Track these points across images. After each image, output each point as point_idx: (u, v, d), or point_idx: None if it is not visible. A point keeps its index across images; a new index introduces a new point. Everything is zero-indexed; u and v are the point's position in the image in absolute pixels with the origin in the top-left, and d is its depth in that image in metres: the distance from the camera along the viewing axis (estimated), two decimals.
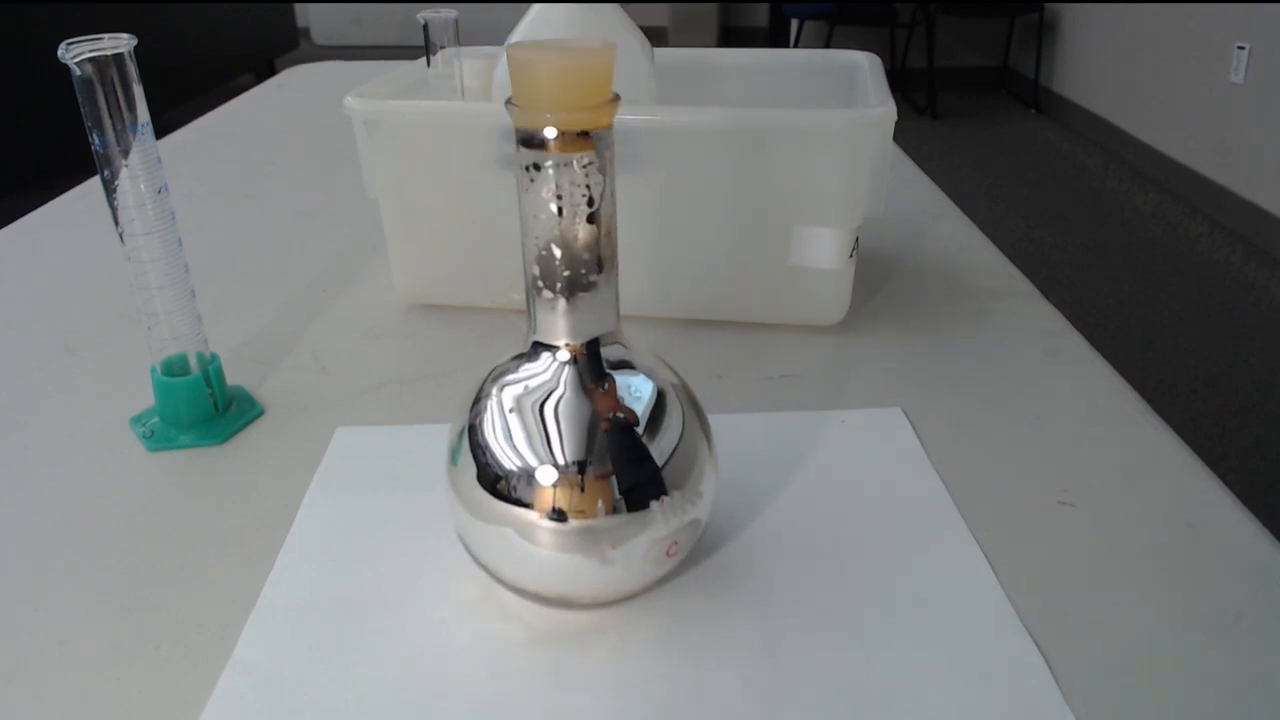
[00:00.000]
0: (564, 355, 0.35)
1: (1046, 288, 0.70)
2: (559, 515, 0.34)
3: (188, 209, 0.83)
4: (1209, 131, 2.95)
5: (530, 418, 0.35)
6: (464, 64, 0.68)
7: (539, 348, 0.36)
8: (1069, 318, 0.63)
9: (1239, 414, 1.89)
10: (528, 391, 0.35)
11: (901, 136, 0.62)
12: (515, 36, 0.59)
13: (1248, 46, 2.76)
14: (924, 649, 0.36)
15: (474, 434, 0.36)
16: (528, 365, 0.36)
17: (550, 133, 0.32)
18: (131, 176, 0.45)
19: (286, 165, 0.98)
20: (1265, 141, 2.69)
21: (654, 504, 0.35)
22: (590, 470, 0.34)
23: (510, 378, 0.36)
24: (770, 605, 0.38)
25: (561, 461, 0.34)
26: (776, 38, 4.93)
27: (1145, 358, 2.10)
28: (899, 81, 4.19)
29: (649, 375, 0.37)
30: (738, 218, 0.57)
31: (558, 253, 0.33)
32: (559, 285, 0.34)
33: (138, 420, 0.51)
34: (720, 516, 0.43)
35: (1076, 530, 0.43)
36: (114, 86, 0.43)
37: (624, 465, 0.34)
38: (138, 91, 0.43)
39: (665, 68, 0.65)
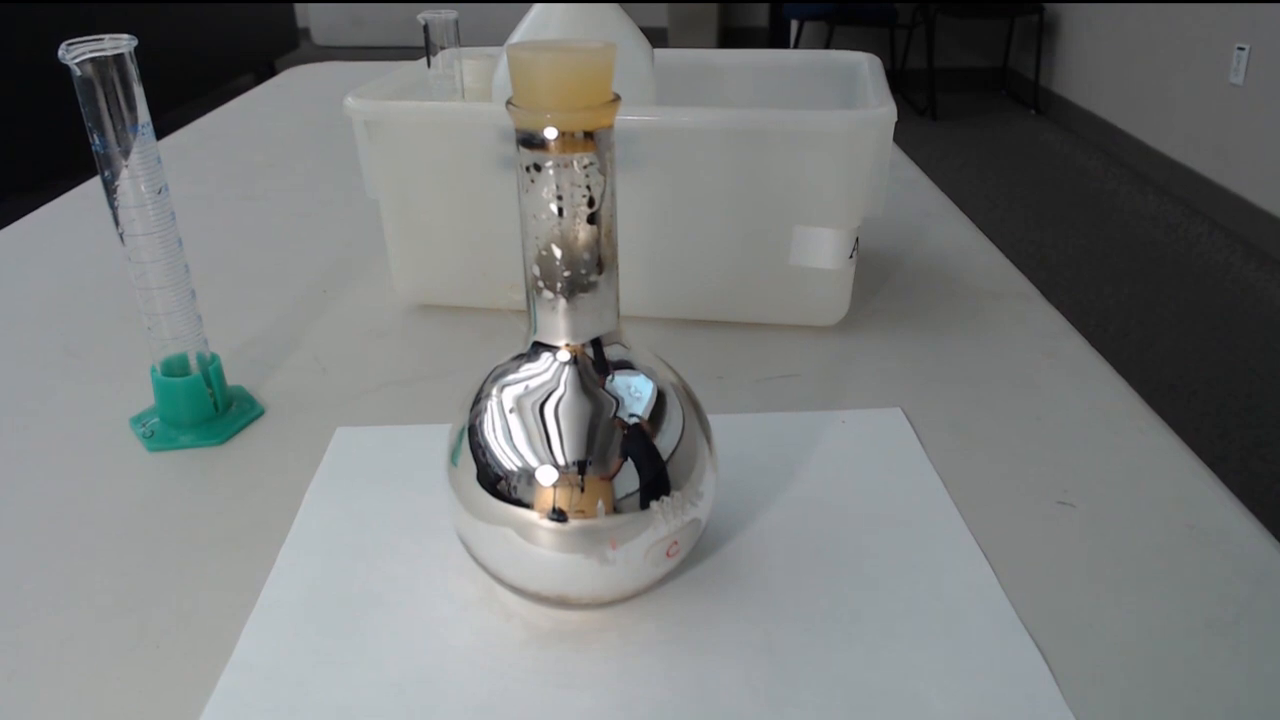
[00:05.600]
0: (564, 355, 0.35)
1: (1046, 288, 0.70)
2: (559, 515, 0.34)
3: (188, 209, 0.83)
4: (1209, 132, 2.95)
5: (530, 418, 0.35)
6: (464, 64, 0.68)
7: (539, 348, 0.36)
8: (1069, 318, 0.63)
9: (1239, 414, 1.89)
10: (528, 392, 0.35)
11: (901, 137, 0.62)
12: (515, 37, 0.59)
13: (1247, 47, 2.76)
14: (924, 649, 0.36)
15: (474, 434, 0.36)
16: (528, 365, 0.36)
17: (550, 133, 0.32)
18: (132, 177, 0.45)
19: (286, 165, 0.98)
20: (1265, 142, 2.69)
21: (654, 504, 0.35)
22: (590, 470, 0.34)
23: (510, 378, 0.36)
24: (770, 605, 0.38)
25: (561, 461, 0.34)
26: (776, 38, 4.93)
27: (1145, 358, 2.10)
28: (899, 82, 4.20)
29: (649, 375, 0.37)
30: (738, 218, 0.57)
31: (558, 253, 0.34)
32: (559, 285, 0.34)
33: (138, 420, 0.51)
34: (720, 516, 0.43)
35: (1076, 530, 0.43)
36: (114, 87, 0.43)
37: (624, 465, 0.34)
38: (138, 92, 0.43)
39: (665, 68, 0.65)
